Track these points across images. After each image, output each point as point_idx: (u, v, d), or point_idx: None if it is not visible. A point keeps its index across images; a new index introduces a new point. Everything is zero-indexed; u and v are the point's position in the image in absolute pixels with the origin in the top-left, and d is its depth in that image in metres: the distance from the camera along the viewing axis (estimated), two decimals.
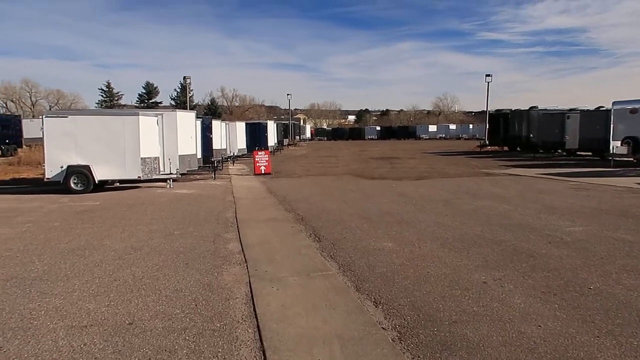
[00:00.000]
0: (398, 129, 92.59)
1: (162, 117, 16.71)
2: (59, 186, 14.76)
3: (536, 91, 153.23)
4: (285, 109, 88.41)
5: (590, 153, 28.30)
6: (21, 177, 20.11)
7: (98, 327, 4.45)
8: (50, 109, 75.11)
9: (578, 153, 29.70)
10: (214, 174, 19.64)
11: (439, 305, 4.96)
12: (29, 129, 37.99)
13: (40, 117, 16.18)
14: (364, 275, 6.05)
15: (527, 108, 34.70)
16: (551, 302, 4.99)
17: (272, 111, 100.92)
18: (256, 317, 4.69)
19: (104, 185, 15.74)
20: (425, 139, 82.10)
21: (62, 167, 14.65)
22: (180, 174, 17.18)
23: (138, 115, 15.42)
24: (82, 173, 14.76)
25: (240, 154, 30.55)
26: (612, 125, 23.16)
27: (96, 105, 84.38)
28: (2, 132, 33.10)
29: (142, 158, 15.11)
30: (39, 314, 4.79)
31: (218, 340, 4.20)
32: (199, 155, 19.93)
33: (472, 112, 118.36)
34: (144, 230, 8.99)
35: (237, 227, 9.22)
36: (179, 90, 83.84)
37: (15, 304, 5.06)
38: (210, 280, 5.88)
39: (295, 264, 6.57)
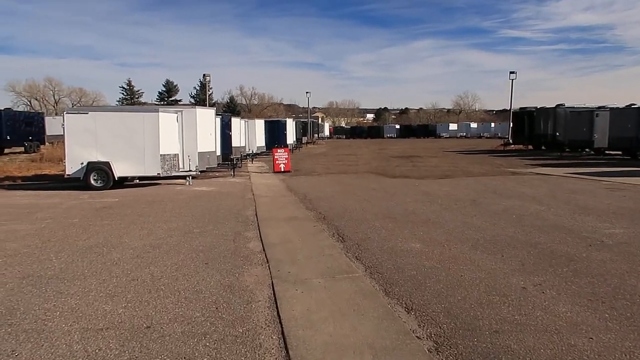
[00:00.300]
0: (417, 127, 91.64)
1: (181, 113, 16.57)
2: (79, 182, 14.76)
3: (559, 89, 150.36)
4: (303, 107, 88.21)
5: (620, 152, 27.30)
6: (43, 173, 20.27)
7: (114, 331, 4.21)
8: (72, 106, 76.37)
9: (607, 152, 28.71)
10: (233, 172, 19.48)
11: (477, 313, 4.59)
12: (52, 126, 38.45)
13: (62, 114, 16.22)
14: (393, 278, 5.70)
15: (554, 106, 33.66)
16: (600, 311, 4.57)
17: (291, 109, 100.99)
18: (280, 323, 4.39)
19: (123, 182, 15.68)
20: (446, 137, 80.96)
21: (82, 163, 14.64)
22: (199, 171, 17.04)
23: (158, 112, 15.32)
24: (102, 169, 14.72)
25: (259, 151, 30.42)
26: None
27: (117, 103, 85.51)
28: (25, 130, 33.48)
29: (161, 155, 15.01)
30: (53, 315, 4.58)
31: (241, 347, 3.91)
32: (218, 153, 19.79)
33: (492, 110, 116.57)
34: (163, 227, 8.79)
35: (258, 225, 8.95)
36: (198, 88, 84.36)
37: (30, 304, 4.86)
38: (231, 282, 5.60)
39: (319, 265, 6.26)
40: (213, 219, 9.68)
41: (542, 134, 34.08)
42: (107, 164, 14.66)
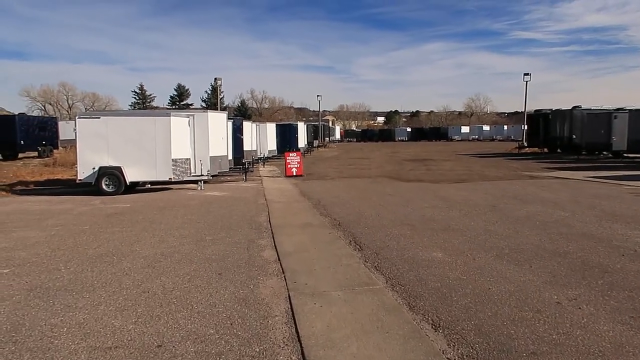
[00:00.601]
0: (429, 130, 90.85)
1: (193, 118, 16.42)
2: (90, 187, 14.63)
3: (572, 91, 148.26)
4: (314, 111, 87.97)
5: None
6: (55, 178, 20.24)
7: (123, 350, 3.95)
8: (85, 111, 77.05)
9: (625, 155, 28.03)
10: (245, 176, 19.26)
11: (510, 331, 4.26)
12: (65, 130, 38.70)
13: (74, 118, 16.15)
14: (416, 291, 5.39)
15: (569, 108, 33.00)
16: None
17: (301, 113, 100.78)
18: (299, 341, 4.11)
19: (135, 187, 15.53)
20: (458, 140, 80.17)
21: (94, 168, 14.52)
22: (211, 176, 16.85)
23: (170, 116, 15.16)
24: (113, 174, 14.59)
25: (270, 155, 30.20)
26: None
27: (129, 107, 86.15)
28: (39, 134, 33.67)
29: (173, 159, 14.84)
30: (60, 331, 4.34)
31: None
32: (230, 157, 19.59)
33: (504, 112, 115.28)
34: (175, 235, 8.56)
35: (272, 232, 8.69)
36: (209, 92, 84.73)
37: (36, 319, 4.64)
38: (246, 294, 5.33)
39: (337, 276, 5.96)
40: (226, 225, 9.44)
41: (558, 137, 33.42)
42: (119, 168, 14.53)
